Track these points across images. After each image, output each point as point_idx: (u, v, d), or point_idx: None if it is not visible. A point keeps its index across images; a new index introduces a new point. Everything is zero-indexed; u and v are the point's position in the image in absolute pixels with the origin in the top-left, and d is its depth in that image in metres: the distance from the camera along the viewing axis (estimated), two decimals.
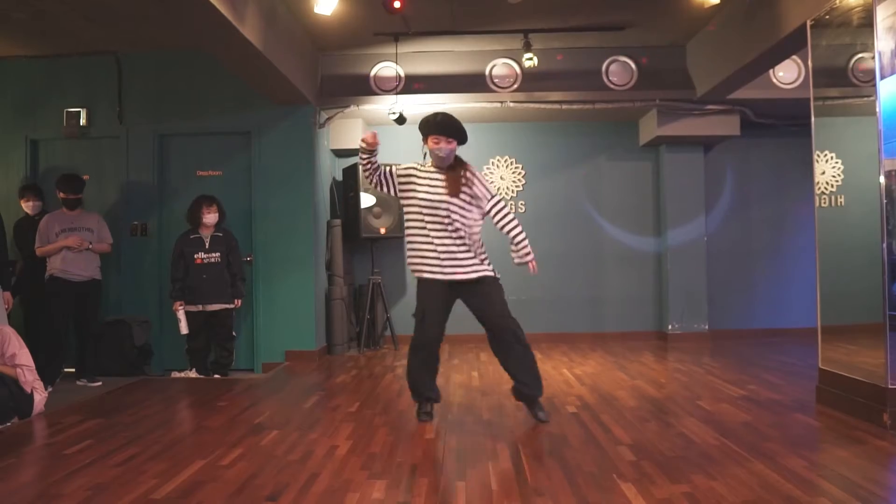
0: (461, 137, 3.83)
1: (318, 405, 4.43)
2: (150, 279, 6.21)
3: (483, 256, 3.87)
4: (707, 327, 7.09)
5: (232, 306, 5.68)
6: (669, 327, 7.08)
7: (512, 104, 6.52)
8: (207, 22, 4.23)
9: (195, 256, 5.55)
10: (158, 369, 6.10)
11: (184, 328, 5.53)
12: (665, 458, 3.09)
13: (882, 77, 3.72)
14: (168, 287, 5.65)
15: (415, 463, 3.09)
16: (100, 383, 5.32)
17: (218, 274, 5.59)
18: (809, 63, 4.36)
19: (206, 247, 5.58)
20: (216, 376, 5.67)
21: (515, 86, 6.47)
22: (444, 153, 3.77)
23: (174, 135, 6.36)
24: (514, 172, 7.40)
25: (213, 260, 5.58)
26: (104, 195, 6.26)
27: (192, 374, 5.68)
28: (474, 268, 3.80)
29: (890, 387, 3.55)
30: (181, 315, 5.52)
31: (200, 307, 5.57)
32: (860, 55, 4.40)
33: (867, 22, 3.80)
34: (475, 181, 3.85)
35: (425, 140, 3.82)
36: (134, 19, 5.44)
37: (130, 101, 6.30)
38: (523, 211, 7.35)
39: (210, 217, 5.56)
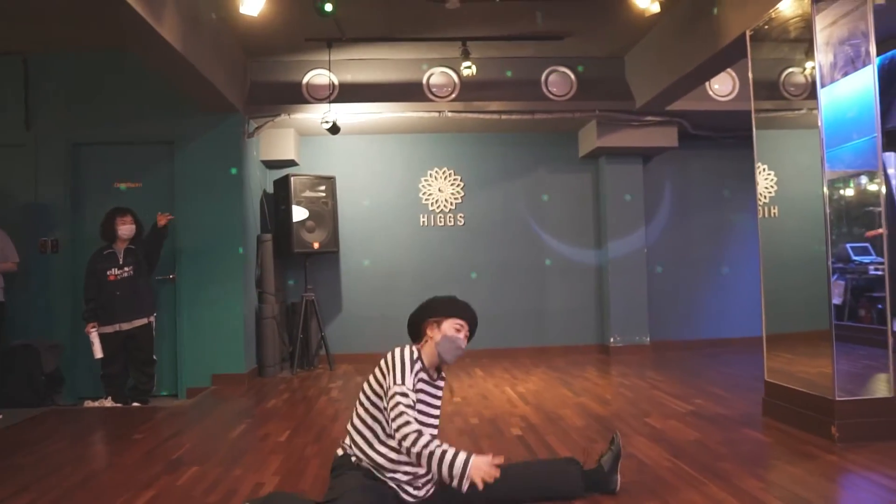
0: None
1: (245, 435, 4.09)
2: (62, 299, 5.71)
3: None
4: (648, 339, 7.05)
5: (151, 321, 5.27)
6: (612, 340, 7.00)
7: (450, 114, 6.34)
8: (121, 20, 3.89)
9: (108, 273, 5.13)
10: (71, 398, 5.60)
11: (98, 352, 5.09)
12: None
13: (822, 86, 3.69)
14: (81, 308, 5.20)
15: None
16: (0, 417, 4.81)
17: (132, 289, 5.17)
18: (750, 74, 4.32)
19: (120, 262, 5.16)
20: (135, 404, 5.24)
21: (453, 95, 6.30)
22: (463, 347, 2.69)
23: (88, 143, 5.90)
24: (452, 185, 7.21)
25: (126, 275, 5.17)
26: (8, 208, 5.73)
27: (108, 402, 5.23)
28: None
29: (837, 399, 3.49)
30: (94, 338, 5.08)
31: (117, 327, 5.15)
32: (790, 69, 4.42)
33: (805, 35, 3.79)
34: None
35: (437, 324, 2.66)
36: (43, 16, 5.00)
37: (39, 106, 5.81)
38: (462, 224, 7.17)
39: (125, 229, 5.15)
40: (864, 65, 3.66)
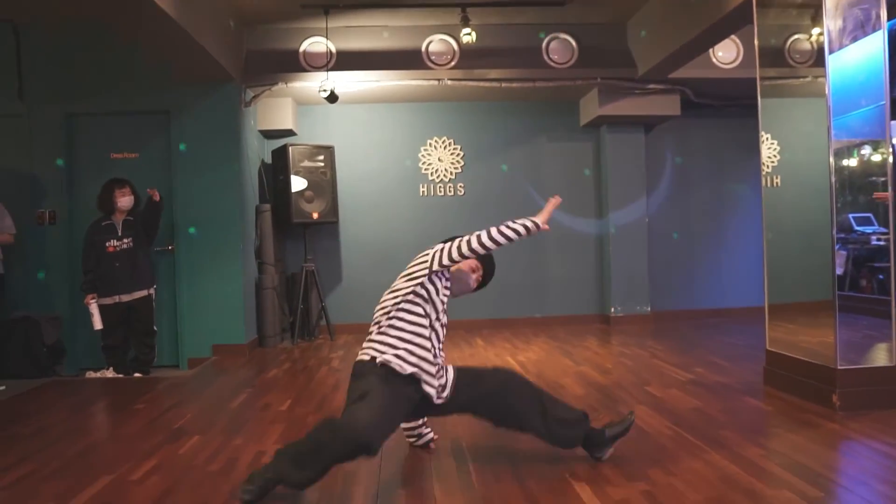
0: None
1: (247, 404, 4.09)
2: (60, 272, 5.68)
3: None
4: (649, 309, 7.04)
5: (151, 293, 5.25)
6: (612, 310, 6.99)
7: (450, 82, 6.24)
8: None
9: (106, 245, 5.09)
10: (73, 369, 5.60)
11: (97, 323, 5.08)
12: (619, 452, 2.89)
13: (830, 52, 3.61)
14: (80, 279, 5.18)
15: (349, 469, 2.80)
16: (3, 388, 4.81)
17: (132, 260, 5.14)
18: (756, 41, 4.23)
19: (119, 233, 5.12)
20: (136, 375, 5.24)
21: (453, 62, 6.19)
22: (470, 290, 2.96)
23: (84, 114, 5.81)
24: (452, 154, 7.14)
25: (125, 246, 5.13)
26: (4, 180, 5.68)
27: (109, 373, 5.23)
28: None
29: (839, 367, 3.48)
30: (94, 309, 5.07)
31: (116, 299, 5.13)
32: (796, 36, 4.33)
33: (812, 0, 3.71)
34: None
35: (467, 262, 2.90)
36: None
37: (32, 76, 5.71)
38: (463, 194, 7.11)
39: (124, 201, 5.11)
40: (875, 29, 3.58)
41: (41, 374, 5.24)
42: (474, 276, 2.91)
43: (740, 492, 2.43)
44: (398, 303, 2.72)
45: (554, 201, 2.83)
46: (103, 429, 3.78)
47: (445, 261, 2.72)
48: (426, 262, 2.75)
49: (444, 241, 2.80)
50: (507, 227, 2.70)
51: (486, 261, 2.95)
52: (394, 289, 2.80)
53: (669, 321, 7.02)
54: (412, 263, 2.83)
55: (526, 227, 2.70)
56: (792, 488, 2.44)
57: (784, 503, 2.32)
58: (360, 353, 2.76)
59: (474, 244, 2.68)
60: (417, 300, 2.72)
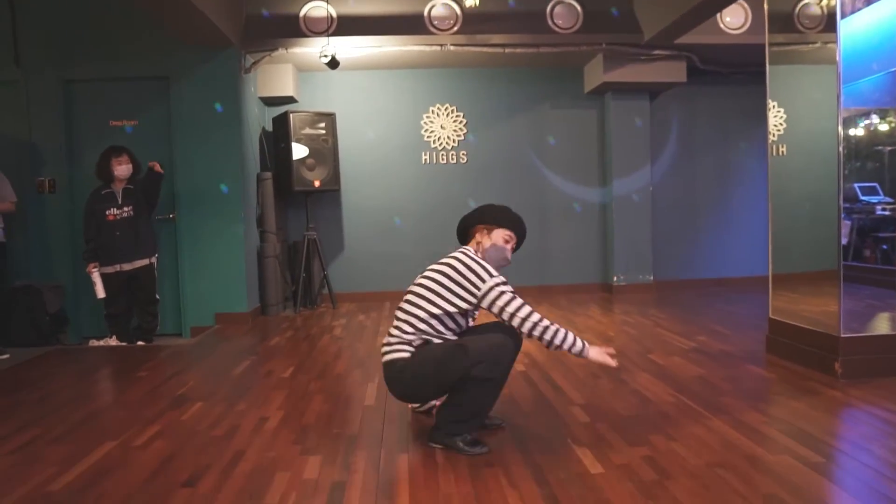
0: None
1: (249, 371, 4.10)
2: (62, 240, 5.67)
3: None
4: (652, 278, 7.03)
5: (153, 262, 5.25)
6: (615, 279, 6.98)
7: (452, 47, 6.14)
8: None
9: (107, 213, 5.06)
10: (76, 338, 5.62)
11: (100, 292, 5.08)
12: (621, 418, 2.91)
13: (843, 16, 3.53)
14: (82, 248, 5.17)
15: (352, 434, 2.82)
16: (7, 356, 4.82)
17: (133, 229, 5.12)
18: (765, 5, 4.15)
19: (119, 202, 5.09)
20: (139, 343, 5.26)
21: (456, 28, 6.09)
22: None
23: (82, 80, 5.74)
24: (454, 121, 7.06)
25: (125, 215, 5.10)
26: (3, 148, 5.63)
27: (113, 341, 5.25)
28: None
29: (842, 336, 3.47)
30: (96, 278, 5.06)
31: (118, 267, 5.12)
32: (806, 1, 4.23)
33: None
34: None
35: (488, 231, 2.82)
36: None
37: (29, 41, 5.63)
38: (465, 162, 7.06)
39: (122, 169, 5.06)
40: None
41: (44, 343, 5.26)
42: (509, 247, 2.82)
43: (741, 457, 2.43)
44: (434, 315, 2.62)
45: (610, 361, 2.64)
46: (107, 396, 3.80)
47: (501, 316, 2.62)
48: (476, 292, 2.60)
49: (495, 286, 2.60)
50: (569, 342, 2.58)
51: (519, 228, 2.86)
52: (430, 297, 2.63)
53: (672, 290, 7.02)
54: (453, 274, 2.62)
55: (579, 351, 2.60)
56: (793, 454, 2.45)
57: (785, 468, 2.32)
58: (389, 349, 2.65)
59: (534, 332, 2.58)
60: (455, 315, 2.67)
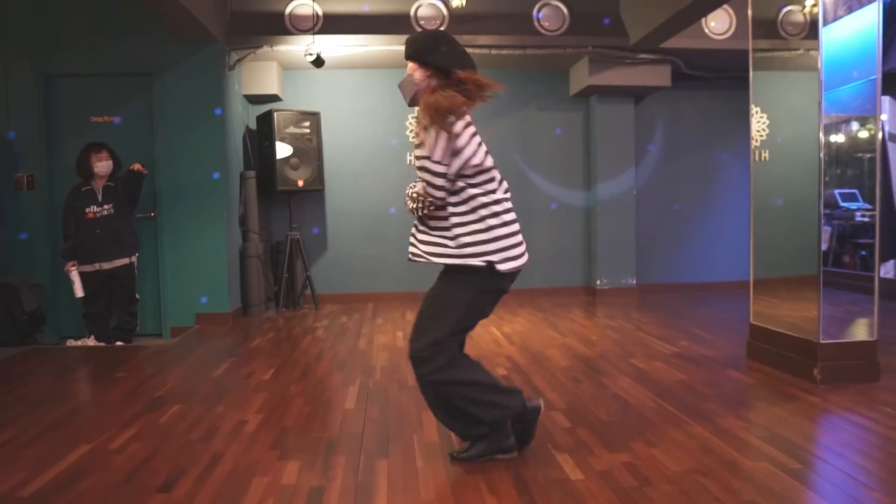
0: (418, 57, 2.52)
1: (229, 373, 4.06)
2: (40, 237, 5.58)
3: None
4: (635, 282, 7.05)
5: (133, 261, 5.18)
6: (598, 282, 7.00)
7: None
8: None
9: (86, 211, 4.99)
10: (54, 337, 5.54)
11: (78, 291, 5.01)
12: (602, 423, 2.91)
13: (825, 24, 3.56)
14: (61, 246, 5.10)
15: (332, 438, 2.80)
16: None
17: (113, 227, 5.05)
18: (749, 11, 4.18)
19: (99, 199, 5.02)
20: (118, 343, 5.19)
21: (442, 28, 6.07)
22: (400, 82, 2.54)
23: (63, 75, 5.65)
24: None
25: (105, 213, 5.03)
26: None
27: (91, 341, 5.18)
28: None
29: (821, 342, 3.50)
30: (74, 276, 4.99)
31: (97, 266, 5.05)
32: (789, 7, 4.26)
33: None
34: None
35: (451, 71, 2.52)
36: None
37: (7, 35, 5.54)
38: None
39: (101, 165, 4.99)
40: (870, 1, 3.53)
41: (21, 342, 5.18)
42: (412, 78, 2.51)
43: (721, 463, 2.44)
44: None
45: None
46: (83, 397, 3.74)
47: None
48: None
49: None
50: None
51: (406, 51, 2.55)
52: None
53: (655, 294, 7.05)
54: None
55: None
56: (771, 460, 2.46)
57: (763, 474, 2.33)
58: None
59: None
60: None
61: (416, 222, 2.51)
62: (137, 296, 5.33)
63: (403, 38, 5.98)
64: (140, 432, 2.92)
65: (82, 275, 5.02)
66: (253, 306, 6.22)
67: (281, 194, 6.44)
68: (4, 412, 3.26)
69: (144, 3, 4.80)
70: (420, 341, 2.39)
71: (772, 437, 2.70)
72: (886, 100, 6.39)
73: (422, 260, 2.46)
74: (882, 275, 5.55)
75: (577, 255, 7.22)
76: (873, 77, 3.56)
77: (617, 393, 3.39)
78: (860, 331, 3.82)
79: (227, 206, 5.82)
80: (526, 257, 2.49)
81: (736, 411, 3.05)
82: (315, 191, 6.56)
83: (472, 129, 2.45)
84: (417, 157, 2.43)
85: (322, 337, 5.13)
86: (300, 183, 6.31)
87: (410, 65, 2.51)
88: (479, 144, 2.47)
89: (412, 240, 2.51)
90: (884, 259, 6.12)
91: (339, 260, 6.95)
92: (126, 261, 5.15)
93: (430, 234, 2.45)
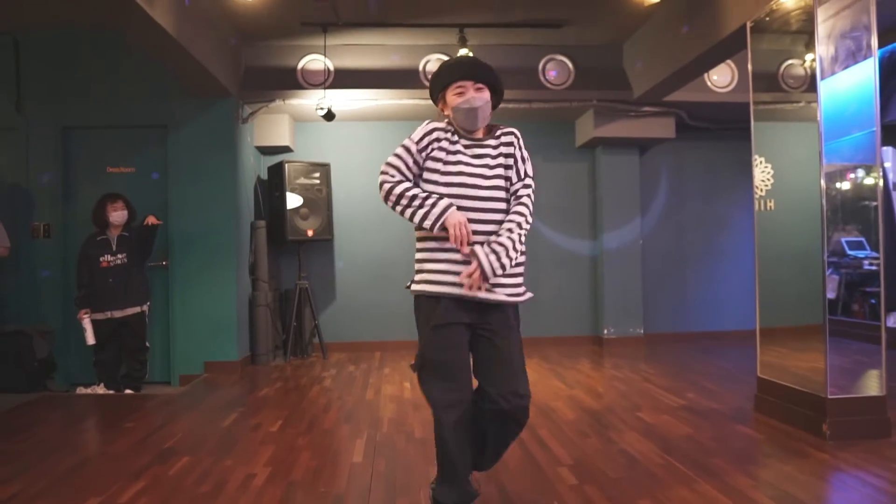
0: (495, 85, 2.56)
1: (237, 424, 4.07)
2: (54, 285, 5.67)
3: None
4: (642, 331, 7.05)
5: (144, 310, 5.24)
6: (605, 332, 6.99)
7: None
8: (111, 3, 3.83)
9: (101, 259, 5.08)
10: (64, 384, 5.57)
11: (90, 338, 5.06)
12: (609, 479, 2.90)
13: (822, 78, 3.65)
14: (74, 293, 5.17)
15: (339, 493, 2.80)
16: None
17: (125, 276, 5.13)
18: (749, 66, 4.29)
19: (113, 248, 5.12)
20: (127, 391, 5.21)
21: None
22: (478, 104, 2.48)
23: (81, 127, 5.82)
24: None
25: (119, 262, 5.12)
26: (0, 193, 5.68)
27: (101, 389, 5.20)
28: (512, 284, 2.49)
29: (829, 397, 3.49)
30: (87, 324, 5.05)
31: (109, 314, 5.11)
32: (790, 61, 4.38)
33: (806, 27, 3.75)
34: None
35: (442, 96, 2.54)
36: None
37: (30, 88, 5.72)
38: None
39: (117, 216, 5.10)
40: (866, 57, 3.63)
41: (32, 389, 5.21)
42: (467, 96, 2.50)
43: None
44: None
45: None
46: (93, 446, 3.76)
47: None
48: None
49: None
50: (423, 203, 2.43)
51: (457, 68, 2.53)
52: None
53: (663, 343, 7.03)
54: None
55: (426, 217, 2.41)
56: None
57: None
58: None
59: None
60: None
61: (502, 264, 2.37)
62: (147, 344, 5.37)
63: (414, 91, 6.19)
64: (149, 486, 2.93)
65: (94, 322, 5.08)
66: (261, 354, 6.24)
67: (290, 243, 6.52)
68: (14, 463, 3.28)
69: (163, 60, 4.97)
70: (529, 392, 2.41)
71: (781, 497, 2.68)
72: (889, 150, 6.46)
73: (521, 300, 2.54)
74: (890, 324, 5.54)
75: (584, 304, 7.23)
76: (873, 129, 3.64)
77: (624, 448, 3.38)
78: (870, 383, 3.81)
79: (238, 256, 5.90)
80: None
81: (744, 468, 3.04)
82: (324, 240, 6.64)
83: None
84: (525, 187, 2.52)
85: (330, 387, 5.14)
86: (310, 233, 6.40)
87: (482, 88, 2.52)
88: None
89: (502, 280, 2.44)
90: (892, 309, 6.11)
91: (347, 308, 6.99)
92: (137, 309, 5.22)
93: (514, 272, 2.50)
